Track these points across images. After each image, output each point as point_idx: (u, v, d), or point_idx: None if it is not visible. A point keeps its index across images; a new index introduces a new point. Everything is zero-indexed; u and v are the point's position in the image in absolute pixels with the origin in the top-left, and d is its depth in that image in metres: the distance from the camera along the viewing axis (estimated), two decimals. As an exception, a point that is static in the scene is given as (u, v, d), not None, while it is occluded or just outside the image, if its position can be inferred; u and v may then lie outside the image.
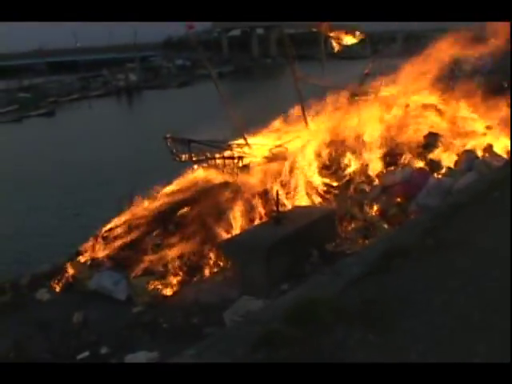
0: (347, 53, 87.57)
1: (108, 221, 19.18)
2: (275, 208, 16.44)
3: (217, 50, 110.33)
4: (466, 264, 6.49)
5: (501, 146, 19.02)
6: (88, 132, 53.26)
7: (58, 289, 17.17)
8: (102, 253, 17.77)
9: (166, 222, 18.11)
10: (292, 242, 14.99)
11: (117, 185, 28.49)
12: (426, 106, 22.01)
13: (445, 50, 23.18)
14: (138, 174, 30.62)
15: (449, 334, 5.28)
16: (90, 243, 18.48)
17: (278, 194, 16.73)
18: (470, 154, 18.37)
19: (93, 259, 17.68)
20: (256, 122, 22.68)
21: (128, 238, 17.92)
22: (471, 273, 6.28)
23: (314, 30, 77.51)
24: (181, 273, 16.37)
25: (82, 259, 17.93)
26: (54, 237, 24.56)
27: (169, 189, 19.66)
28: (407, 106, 22.06)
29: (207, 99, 72.40)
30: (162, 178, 21.30)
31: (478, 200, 8.87)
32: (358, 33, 79.58)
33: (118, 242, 17.89)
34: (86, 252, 18.19)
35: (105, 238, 18.37)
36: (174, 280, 16.15)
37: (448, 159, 18.79)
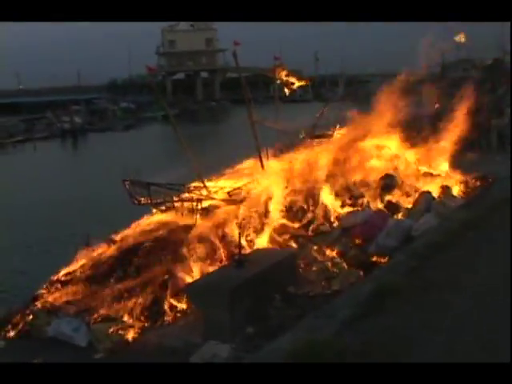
0: (290, 96, 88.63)
1: (65, 265, 18.79)
2: (237, 251, 16.34)
3: (161, 93, 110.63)
4: (458, 304, 6.55)
5: (456, 187, 19.45)
6: (35, 174, 52.51)
7: (13, 335, 16.66)
8: (60, 298, 17.33)
9: (125, 265, 17.83)
10: (255, 285, 14.90)
11: (71, 228, 28.05)
12: (380, 148, 22.40)
13: (391, 95, 23.72)
14: (93, 216, 30.24)
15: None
16: (47, 288, 18.04)
17: (239, 237, 16.67)
18: (426, 195, 18.69)
19: (50, 305, 17.22)
20: (211, 165, 22.73)
21: (87, 283, 17.55)
22: (465, 312, 6.33)
23: (266, 73, 78.40)
24: (142, 317, 16.07)
25: (38, 304, 17.46)
26: (6, 281, 23.89)
27: (128, 232, 19.41)
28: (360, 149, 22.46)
29: (154, 142, 72.95)
30: (117, 221, 21.13)
31: (453, 240, 8.98)
32: (303, 77, 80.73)
33: (77, 287, 17.50)
34: (42, 297, 17.73)
35: (62, 283, 17.97)
36: (136, 325, 15.85)
37: (405, 200, 19.07)
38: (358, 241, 17.76)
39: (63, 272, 18.52)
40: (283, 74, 26.09)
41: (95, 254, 18.90)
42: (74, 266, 18.57)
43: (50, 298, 17.59)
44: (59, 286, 18.02)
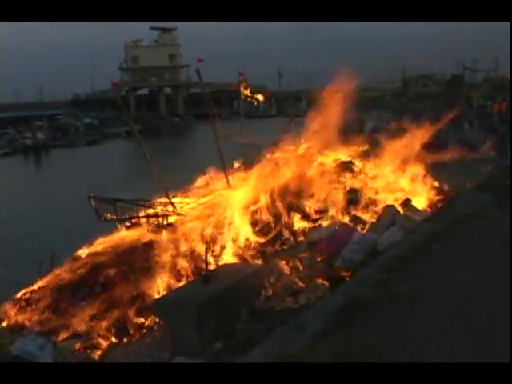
0: (254, 112, 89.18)
1: (29, 282, 18.59)
2: (204, 266, 16.33)
3: (125, 108, 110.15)
4: (426, 315, 6.65)
5: (419, 200, 19.68)
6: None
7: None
8: (24, 316, 17.15)
9: (91, 282, 17.71)
10: (222, 301, 14.91)
11: (35, 245, 27.80)
12: (344, 163, 22.62)
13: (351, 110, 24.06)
14: (58, 233, 30.00)
15: None
16: (11, 306, 17.82)
17: (206, 252, 16.67)
18: (391, 209, 18.86)
19: (15, 323, 17.02)
20: (176, 181, 22.73)
21: (52, 301, 17.39)
22: (432, 324, 6.43)
23: (230, 89, 78.78)
24: (109, 335, 15.96)
25: (2, 323, 17.25)
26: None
27: (93, 249, 19.28)
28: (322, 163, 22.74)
29: (118, 158, 72.61)
30: (82, 237, 20.99)
31: (420, 253, 9.12)
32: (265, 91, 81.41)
33: (42, 305, 17.33)
34: (6, 315, 17.51)
35: (27, 301, 17.79)
36: (103, 342, 15.73)
37: (370, 214, 19.24)
38: (323, 255, 17.83)
39: (28, 289, 18.33)
40: (247, 89, 26.27)
41: (60, 271, 18.74)
42: (39, 284, 18.39)
43: (15, 317, 17.39)
44: (24, 303, 17.83)
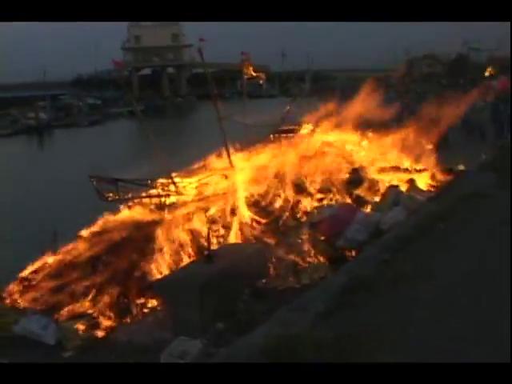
0: (257, 92, 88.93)
1: (33, 261, 18.62)
2: (206, 246, 16.31)
3: (128, 88, 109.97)
4: (429, 296, 6.60)
5: (423, 181, 19.63)
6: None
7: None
8: (27, 296, 17.17)
9: (94, 262, 17.69)
10: (224, 280, 14.88)
11: (38, 224, 27.82)
12: (347, 143, 22.53)
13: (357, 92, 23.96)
14: (61, 213, 30.01)
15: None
16: (14, 286, 17.85)
17: (208, 232, 16.64)
18: (394, 189, 18.80)
19: (18, 302, 17.05)
20: (179, 161, 22.67)
21: (55, 280, 17.40)
22: (435, 304, 6.38)
23: (233, 69, 78.66)
24: (112, 314, 15.97)
25: (5, 303, 17.27)
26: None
27: (96, 228, 19.26)
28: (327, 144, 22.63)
29: (120, 138, 72.60)
30: (85, 217, 21.00)
31: (423, 233, 9.06)
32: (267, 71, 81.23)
33: (45, 285, 17.34)
34: (9, 295, 17.55)
35: (30, 280, 17.81)
36: (105, 322, 15.74)
37: (373, 195, 19.18)
38: (326, 235, 17.78)
39: (31, 269, 18.36)
40: (250, 69, 26.11)
41: (63, 250, 18.75)
42: (42, 263, 18.41)
43: (18, 296, 17.43)
44: (27, 283, 17.86)
